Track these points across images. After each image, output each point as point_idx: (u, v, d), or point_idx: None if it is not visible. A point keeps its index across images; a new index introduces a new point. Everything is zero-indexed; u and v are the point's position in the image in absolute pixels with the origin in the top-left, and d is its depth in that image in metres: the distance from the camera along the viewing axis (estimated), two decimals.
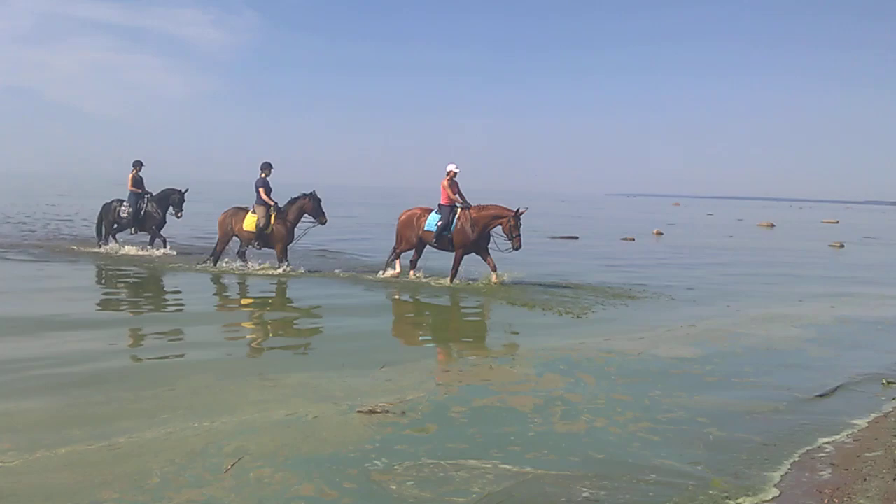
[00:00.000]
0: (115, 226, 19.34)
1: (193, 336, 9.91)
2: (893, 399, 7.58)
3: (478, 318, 12.28)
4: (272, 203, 16.29)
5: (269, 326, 10.91)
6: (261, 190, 16.35)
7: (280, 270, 15.97)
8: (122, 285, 14.34)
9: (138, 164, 19.44)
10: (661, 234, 38.29)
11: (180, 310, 12.14)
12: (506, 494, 4.83)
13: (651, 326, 11.52)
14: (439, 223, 15.25)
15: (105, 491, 4.75)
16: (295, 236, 16.56)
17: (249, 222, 16.37)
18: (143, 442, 5.70)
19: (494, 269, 15.09)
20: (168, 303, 12.82)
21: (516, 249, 14.91)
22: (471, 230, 15.00)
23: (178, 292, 13.74)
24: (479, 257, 15.43)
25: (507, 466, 5.36)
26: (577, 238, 31.73)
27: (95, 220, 19.93)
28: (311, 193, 16.28)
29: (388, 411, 6.54)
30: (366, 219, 39.63)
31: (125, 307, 11.90)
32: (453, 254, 15.37)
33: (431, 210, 15.76)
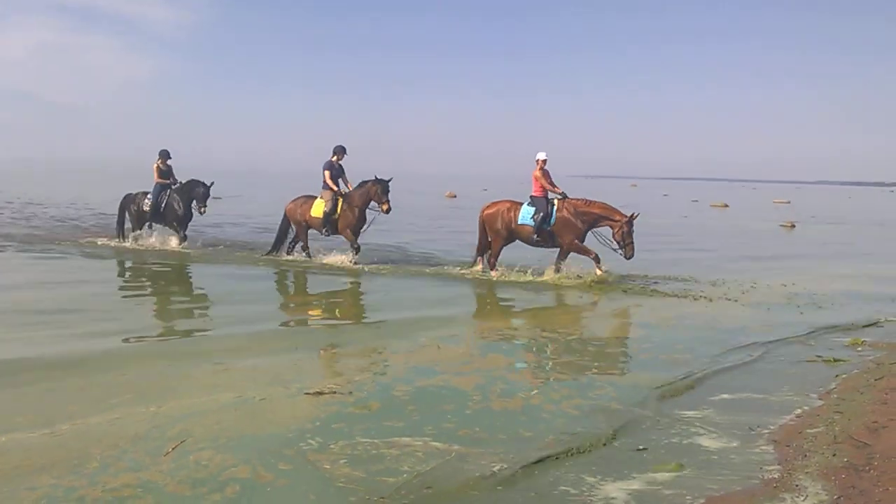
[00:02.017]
0: (136, 219, 17.86)
1: (161, 324, 9.77)
2: (837, 376, 7.73)
3: (436, 300, 12.28)
4: (335, 188, 15.49)
5: (235, 313, 10.79)
6: (325, 173, 15.49)
7: (350, 261, 15.16)
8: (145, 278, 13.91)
9: (164, 154, 17.75)
10: None
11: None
12: (430, 476, 4.88)
13: (597, 307, 11.67)
14: (536, 216, 14.05)
15: (42, 476, 4.68)
16: (367, 221, 15.61)
17: (318, 208, 15.60)
18: (86, 428, 5.61)
19: (558, 269, 14.17)
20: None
21: (629, 258, 13.90)
22: (576, 220, 13.92)
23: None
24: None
25: (437, 444, 5.43)
26: None
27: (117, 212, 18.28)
28: (379, 179, 15.20)
29: (335, 392, 6.53)
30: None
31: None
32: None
33: (520, 203, 14.50)
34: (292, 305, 11.87)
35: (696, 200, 68.13)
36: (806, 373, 7.93)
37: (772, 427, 6.05)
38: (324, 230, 15.61)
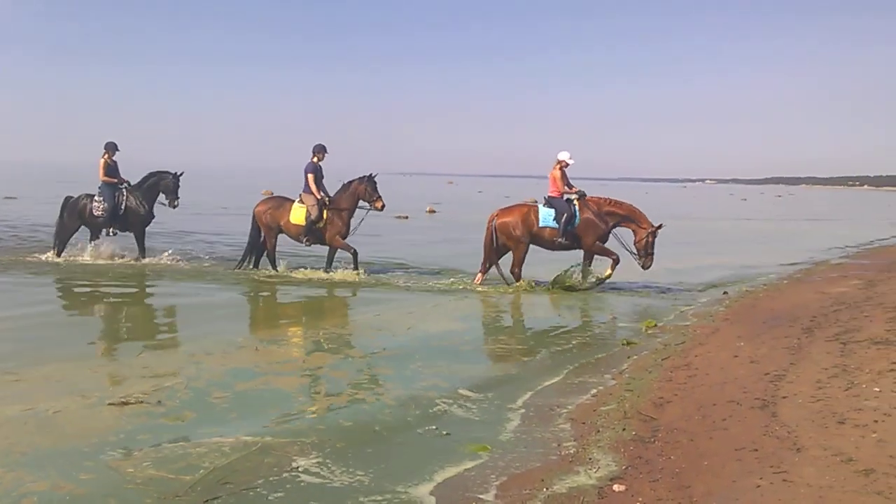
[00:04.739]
0: (78, 227, 15.29)
1: None
2: (629, 358, 8.39)
3: (258, 302, 12.10)
4: (320, 195, 14.03)
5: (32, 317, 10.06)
6: (309, 177, 14.06)
7: (356, 274, 13.76)
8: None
9: (111, 148, 15.20)
10: (434, 211, 39.36)
11: None
12: (228, 469, 4.88)
13: (422, 302, 11.89)
14: (559, 218, 13.13)
15: None
16: (351, 227, 14.27)
17: (298, 215, 14.03)
18: None
19: (585, 274, 13.28)
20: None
21: (646, 269, 13.38)
22: (600, 221, 13.20)
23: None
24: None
25: (247, 439, 5.42)
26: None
27: (56, 222, 15.45)
28: (367, 176, 14.17)
29: (142, 401, 6.28)
30: (211, 204, 35.61)
31: None
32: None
33: (535, 205, 13.72)
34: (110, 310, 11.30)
35: (508, 196, 70.52)
36: (609, 356, 8.57)
37: (570, 407, 6.50)
38: (304, 239, 14.14)
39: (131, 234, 15.46)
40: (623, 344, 9.09)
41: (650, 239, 13.12)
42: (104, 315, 10.83)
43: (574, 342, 9.27)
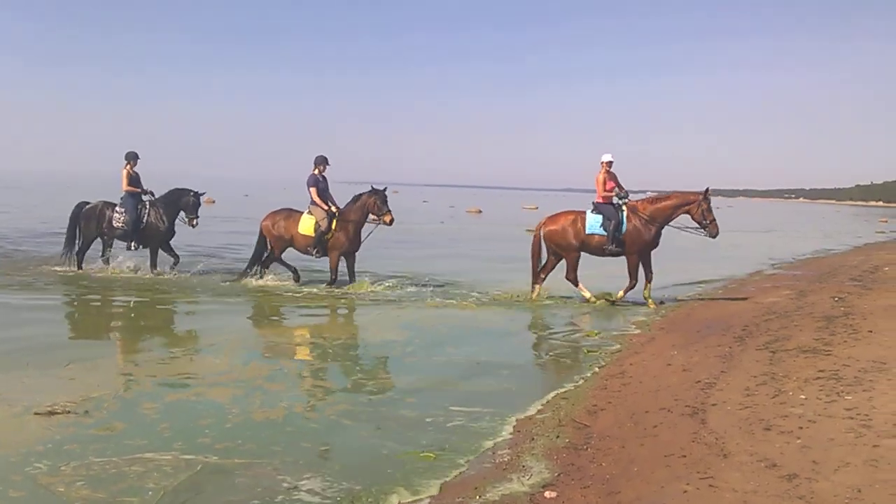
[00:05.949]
0: (103, 238, 14.73)
1: None
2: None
3: (194, 311, 11.87)
4: (325, 207, 13.80)
5: None
6: (312, 190, 13.86)
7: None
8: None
9: (132, 157, 14.73)
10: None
11: None
12: (192, 490, 4.74)
13: (362, 313, 11.82)
14: (607, 224, 12.80)
15: None
16: (362, 239, 14.15)
17: (307, 225, 13.80)
18: None
19: (649, 281, 13.01)
20: None
21: (714, 237, 12.95)
22: (645, 229, 12.83)
23: None
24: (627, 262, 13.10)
25: (189, 457, 5.25)
26: None
27: (66, 230, 14.80)
28: (377, 190, 13.91)
29: (69, 412, 6.11)
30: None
31: None
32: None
33: (583, 212, 13.28)
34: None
35: (453, 206, 70.83)
36: (555, 366, 8.70)
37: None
38: (314, 251, 13.83)
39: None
40: (587, 352, 9.17)
41: (704, 206, 12.91)
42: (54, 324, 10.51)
43: (521, 352, 9.34)
